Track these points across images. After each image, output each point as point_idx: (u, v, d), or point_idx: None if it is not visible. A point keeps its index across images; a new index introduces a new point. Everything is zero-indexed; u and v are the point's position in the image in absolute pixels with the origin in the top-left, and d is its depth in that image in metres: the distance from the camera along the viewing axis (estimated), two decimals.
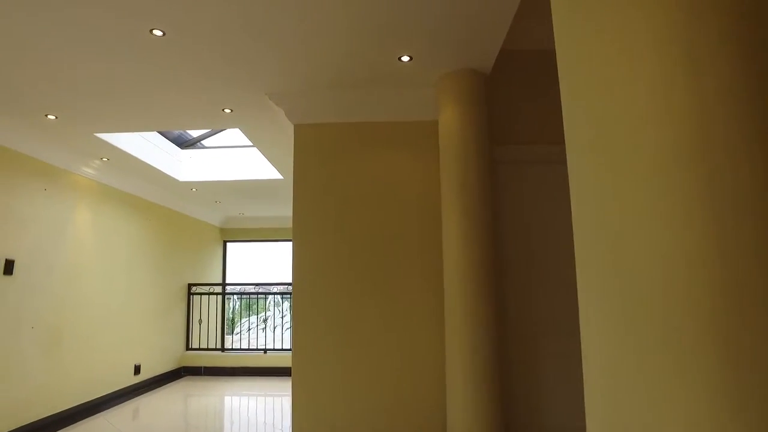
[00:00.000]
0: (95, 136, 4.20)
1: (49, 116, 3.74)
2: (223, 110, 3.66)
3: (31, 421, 4.09)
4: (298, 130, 3.50)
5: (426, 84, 3.26)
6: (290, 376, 3.34)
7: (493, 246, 2.97)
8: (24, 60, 2.90)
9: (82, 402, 4.73)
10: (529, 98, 3.42)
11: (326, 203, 3.42)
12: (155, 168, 5.33)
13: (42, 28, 2.53)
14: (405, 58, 2.91)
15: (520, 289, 3.26)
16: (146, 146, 5.11)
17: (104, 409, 4.91)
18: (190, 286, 7.33)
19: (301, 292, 3.37)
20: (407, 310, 3.30)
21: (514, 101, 3.42)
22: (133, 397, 5.46)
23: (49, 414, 4.29)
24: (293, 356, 3.33)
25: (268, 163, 5.40)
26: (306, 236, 3.41)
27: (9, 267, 3.94)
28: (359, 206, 3.40)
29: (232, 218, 8.72)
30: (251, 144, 5.80)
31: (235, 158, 5.97)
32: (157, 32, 2.56)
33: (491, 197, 3.02)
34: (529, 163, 3.39)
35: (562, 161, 3.26)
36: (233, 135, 5.90)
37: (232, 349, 7.10)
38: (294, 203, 3.45)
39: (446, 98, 3.11)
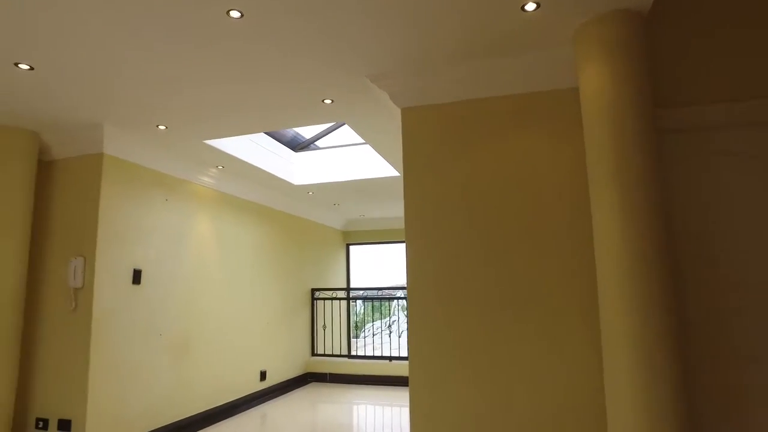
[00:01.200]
0: (205, 144, 4.17)
1: (159, 126, 3.74)
2: (323, 101, 3.31)
3: (160, 426, 4.16)
4: (406, 114, 3.02)
5: (560, 40, 2.56)
6: None
7: (665, 243, 2.18)
8: (128, 71, 2.84)
9: (209, 408, 4.77)
10: (703, 42, 2.53)
11: (443, 199, 2.88)
12: (270, 173, 5.26)
13: (128, 33, 2.37)
14: (530, 6, 2.26)
15: (703, 300, 2.40)
16: (259, 151, 5.05)
17: (231, 416, 4.93)
18: (313, 291, 7.29)
19: (416, 302, 2.88)
20: (550, 325, 2.62)
21: (683, 47, 2.56)
22: (260, 404, 5.45)
23: (177, 419, 4.35)
24: (410, 375, 2.86)
25: (383, 160, 5.03)
26: (420, 239, 2.91)
27: (137, 277, 4.04)
28: (483, 201, 2.81)
29: (353, 220, 8.59)
30: (364, 141, 5.51)
31: (349, 157, 5.71)
32: (234, 14, 2.25)
33: (658, 179, 2.23)
34: (709, 129, 2.51)
35: (762, 122, 2.31)
36: (346, 134, 5.65)
37: (357, 357, 6.88)
38: (405, 201, 2.98)
39: (588, 53, 2.38)
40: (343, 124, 5.41)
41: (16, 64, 2.78)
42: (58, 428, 3.59)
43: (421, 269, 2.88)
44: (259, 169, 5.05)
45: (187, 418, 4.46)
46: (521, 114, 2.81)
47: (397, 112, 3.13)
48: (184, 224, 4.64)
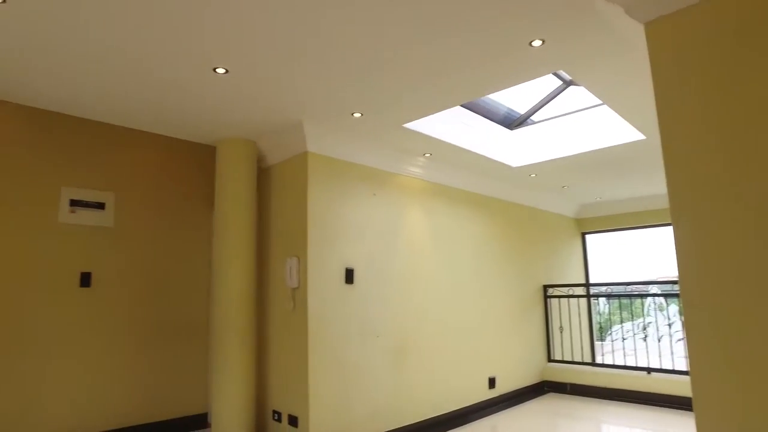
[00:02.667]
0: (406, 128, 3.81)
1: (354, 114, 3.52)
2: (530, 44, 2.56)
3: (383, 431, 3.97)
4: (655, 31, 2.05)
5: None
6: (687, 409, 1.92)
7: None
8: (316, 56, 2.63)
9: (431, 416, 4.40)
10: None
11: (733, 150, 1.84)
12: (484, 156, 4.67)
13: (311, 15, 2.10)
14: None
15: None
16: (469, 133, 4.50)
17: (457, 426, 4.47)
18: (545, 287, 6.40)
19: (697, 303, 1.90)
20: None
21: None
22: (489, 414, 4.88)
23: (401, 426, 4.09)
24: (695, 402, 1.90)
25: (620, 119, 3.95)
26: (697, 214, 1.92)
27: (349, 276, 3.92)
28: None
29: (587, 206, 7.35)
30: (592, 104, 4.47)
31: (576, 127, 4.72)
32: None
33: None
34: None
35: None
36: (569, 100, 4.68)
37: (604, 365, 5.73)
38: (667, 164, 2.01)
39: None
40: (564, 88, 4.49)
41: (214, 69, 2.83)
42: (289, 423, 3.66)
43: (703, 257, 1.89)
44: (471, 152, 4.51)
45: (410, 425, 4.18)
46: None
47: (639, 36, 2.18)
48: (395, 219, 4.40)
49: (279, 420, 3.77)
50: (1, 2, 2.17)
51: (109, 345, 3.79)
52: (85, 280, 3.73)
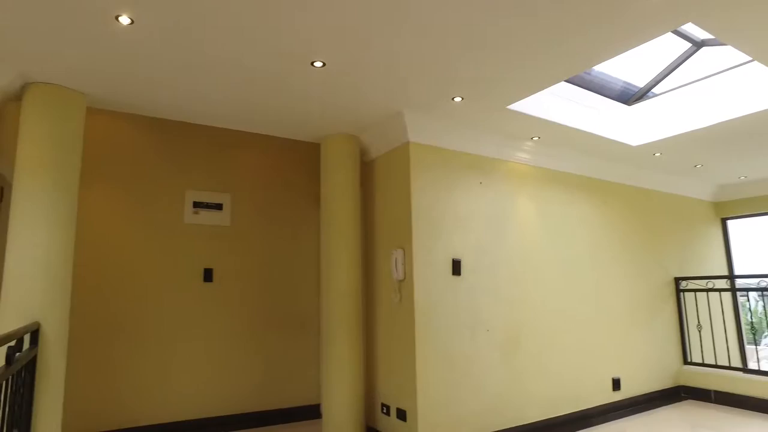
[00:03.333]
0: (510, 110, 3.58)
1: (455, 99, 3.38)
2: None
3: (496, 430, 3.74)
4: None
5: None
6: None
7: None
8: (410, 40, 2.55)
9: (546, 418, 4.07)
10: None
11: None
12: (599, 136, 4.26)
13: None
14: None
15: None
16: (581, 112, 4.14)
17: (578, 429, 4.12)
18: (677, 280, 5.69)
19: None
20: None
21: None
22: (614, 419, 4.44)
23: (514, 425, 3.86)
24: None
25: None
26: None
27: (456, 267, 3.79)
28: None
29: (727, 186, 6.42)
30: (730, 65, 3.86)
31: (708, 95, 4.12)
32: None
33: None
34: None
35: None
36: (698, 67, 4.10)
37: (762, 372, 4.90)
38: None
39: None
40: (694, 51, 3.93)
41: (312, 63, 2.86)
42: (397, 416, 3.62)
43: None
44: (584, 132, 4.13)
45: (525, 425, 3.92)
46: None
47: None
48: (503, 208, 4.17)
49: (387, 413, 3.75)
50: (129, 23, 2.39)
51: (229, 336, 4.05)
52: (208, 275, 4.03)
